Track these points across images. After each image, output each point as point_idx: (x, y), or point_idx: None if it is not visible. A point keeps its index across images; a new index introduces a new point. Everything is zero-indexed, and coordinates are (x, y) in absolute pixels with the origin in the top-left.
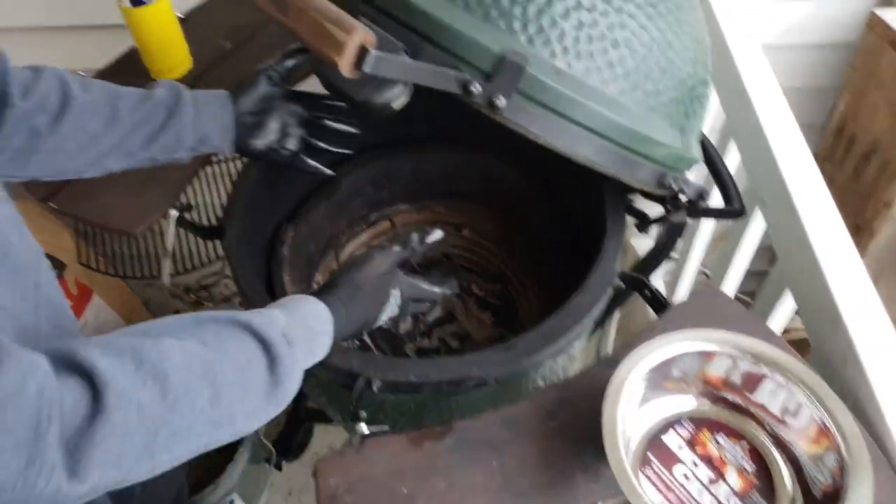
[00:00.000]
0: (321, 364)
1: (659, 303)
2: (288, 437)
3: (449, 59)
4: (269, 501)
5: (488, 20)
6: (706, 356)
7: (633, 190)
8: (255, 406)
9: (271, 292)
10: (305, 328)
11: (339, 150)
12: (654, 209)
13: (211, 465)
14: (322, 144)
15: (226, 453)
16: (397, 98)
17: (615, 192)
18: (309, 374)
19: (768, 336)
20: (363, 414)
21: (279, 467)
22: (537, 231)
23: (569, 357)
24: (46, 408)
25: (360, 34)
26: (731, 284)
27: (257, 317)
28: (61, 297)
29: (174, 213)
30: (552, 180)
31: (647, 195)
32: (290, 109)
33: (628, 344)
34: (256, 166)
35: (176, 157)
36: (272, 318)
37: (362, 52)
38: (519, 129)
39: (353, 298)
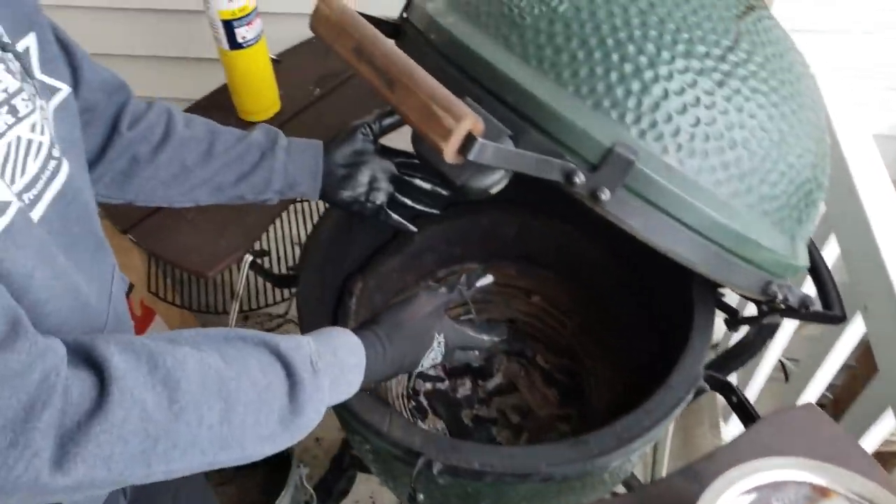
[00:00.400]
0: (378, 433)
1: (747, 413)
2: (330, 482)
3: (553, 145)
4: None
5: (599, 109)
6: (819, 491)
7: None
8: (270, 432)
9: None
10: (335, 359)
11: (425, 209)
12: (745, 303)
13: None
14: (408, 201)
15: (269, 494)
16: (497, 184)
17: (705, 283)
18: (364, 441)
19: (870, 467)
20: (421, 497)
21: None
22: (613, 307)
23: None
24: (45, 393)
25: (469, 122)
26: (815, 389)
27: (286, 341)
28: (128, 316)
29: (248, 257)
30: (636, 259)
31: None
32: (381, 165)
33: (711, 456)
34: (334, 216)
35: (264, 199)
36: (301, 344)
37: (468, 140)
38: (619, 222)
39: (393, 337)
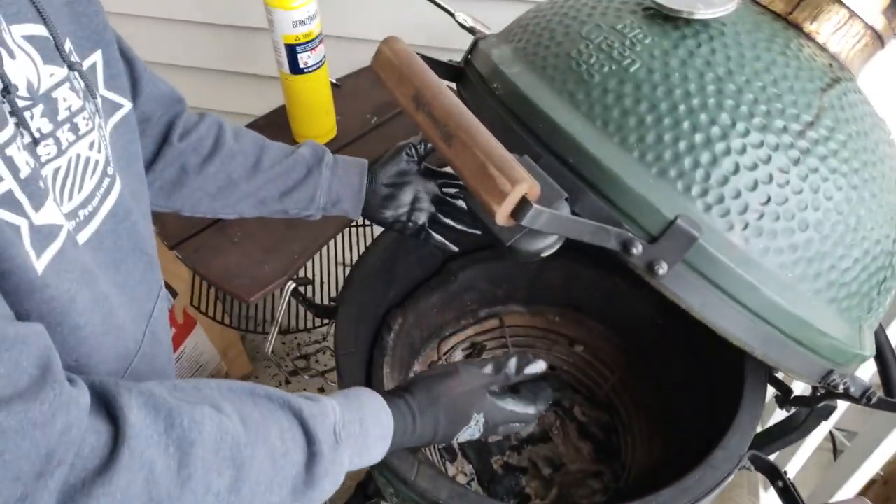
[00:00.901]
0: (405, 482)
1: (794, 500)
2: None
3: (612, 212)
4: None
5: (664, 178)
6: None
7: None
8: (280, 501)
9: (370, 378)
10: (361, 430)
11: (468, 230)
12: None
13: None
14: (450, 221)
15: None
16: (548, 249)
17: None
18: (389, 484)
19: None
20: None
21: None
22: (658, 365)
23: None
24: (63, 449)
25: (524, 187)
26: (871, 467)
27: (312, 406)
28: (168, 337)
29: (291, 284)
30: (687, 319)
31: None
32: (424, 185)
33: None
34: (378, 249)
35: (307, 214)
36: (326, 411)
37: (522, 205)
38: (675, 298)
39: (426, 411)
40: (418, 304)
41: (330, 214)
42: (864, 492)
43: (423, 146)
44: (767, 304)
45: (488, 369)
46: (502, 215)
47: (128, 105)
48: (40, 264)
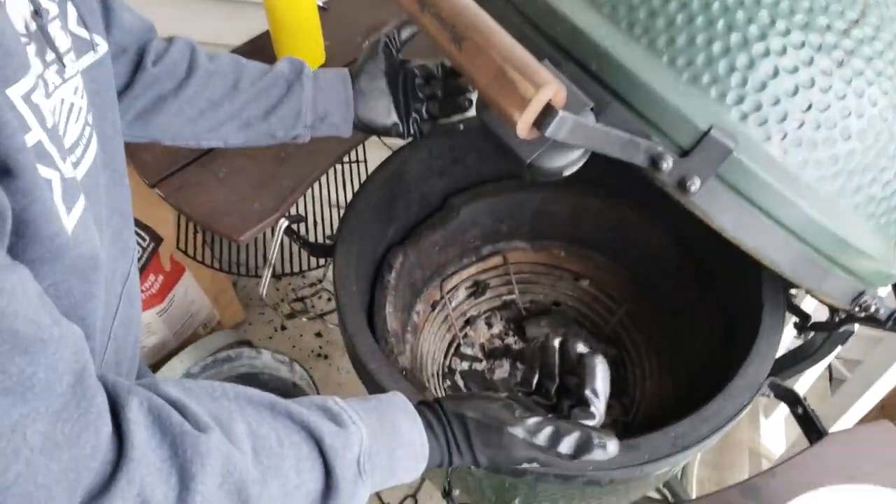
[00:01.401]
0: None
1: (813, 427)
2: None
3: (639, 123)
4: None
5: (696, 85)
6: None
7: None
8: None
9: (371, 321)
10: (389, 462)
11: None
12: (815, 305)
13: None
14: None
15: None
16: (572, 166)
17: (775, 281)
18: None
19: None
20: (457, 492)
21: None
22: (668, 297)
23: None
24: (86, 475)
25: (550, 90)
26: (873, 397)
27: (335, 436)
28: (139, 300)
29: (283, 222)
30: (700, 247)
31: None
32: (409, 83)
33: (773, 472)
34: (375, 184)
35: (295, 135)
36: (350, 443)
37: (547, 112)
38: (707, 218)
39: (467, 451)
40: (419, 242)
41: (320, 134)
42: (862, 421)
43: (397, 35)
44: (806, 221)
45: (541, 439)
46: (524, 125)
47: (103, 45)
48: (70, 222)
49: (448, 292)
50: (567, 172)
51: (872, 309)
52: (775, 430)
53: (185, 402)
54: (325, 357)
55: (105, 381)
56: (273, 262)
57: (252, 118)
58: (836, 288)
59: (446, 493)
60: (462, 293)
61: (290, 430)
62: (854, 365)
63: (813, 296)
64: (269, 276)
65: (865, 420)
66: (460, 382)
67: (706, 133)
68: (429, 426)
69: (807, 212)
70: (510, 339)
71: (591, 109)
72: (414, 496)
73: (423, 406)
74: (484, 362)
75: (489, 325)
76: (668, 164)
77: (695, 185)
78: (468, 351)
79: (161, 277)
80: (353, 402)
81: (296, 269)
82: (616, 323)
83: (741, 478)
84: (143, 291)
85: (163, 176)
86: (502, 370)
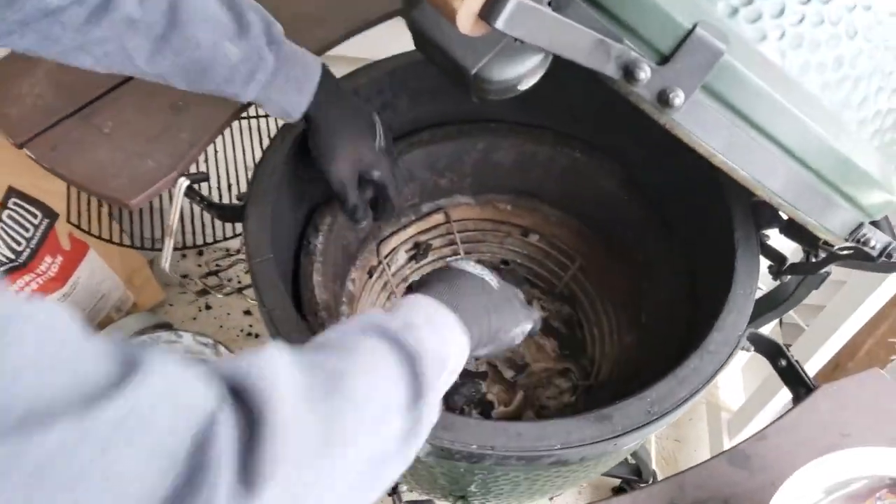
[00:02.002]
0: None
1: (800, 381)
2: None
3: (608, 23)
4: None
5: None
6: None
7: (771, 222)
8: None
9: (297, 293)
10: (428, 320)
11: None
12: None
13: None
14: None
15: None
16: (530, 77)
17: (747, 222)
18: None
19: None
20: (402, 487)
21: None
22: (625, 248)
23: None
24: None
25: None
26: (836, 342)
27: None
28: None
29: (184, 182)
30: (657, 189)
31: (793, 234)
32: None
33: (763, 436)
34: (293, 134)
35: (239, 92)
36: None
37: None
38: (692, 139)
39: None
40: None
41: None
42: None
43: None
44: (808, 137)
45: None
46: (467, 14)
47: None
48: None
49: (386, 256)
50: (523, 86)
51: (872, 243)
52: (733, 380)
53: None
54: (256, 336)
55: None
56: (175, 229)
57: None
58: (837, 220)
59: (392, 490)
60: (402, 256)
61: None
62: (808, 310)
63: (809, 230)
64: (171, 245)
65: (824, 373)
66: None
67: (690, 32)
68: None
69: (810, 127)
70: None
71: (549, 4)
72: None
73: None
74: None
75: None
76: (644, 73)
77: (678, 97)
78: None
79: (60, 258)
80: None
81: (210, 240)
82: (570, 279)
83: (700, 434)
84: (39, 275)
85: (34, 133)
86: None
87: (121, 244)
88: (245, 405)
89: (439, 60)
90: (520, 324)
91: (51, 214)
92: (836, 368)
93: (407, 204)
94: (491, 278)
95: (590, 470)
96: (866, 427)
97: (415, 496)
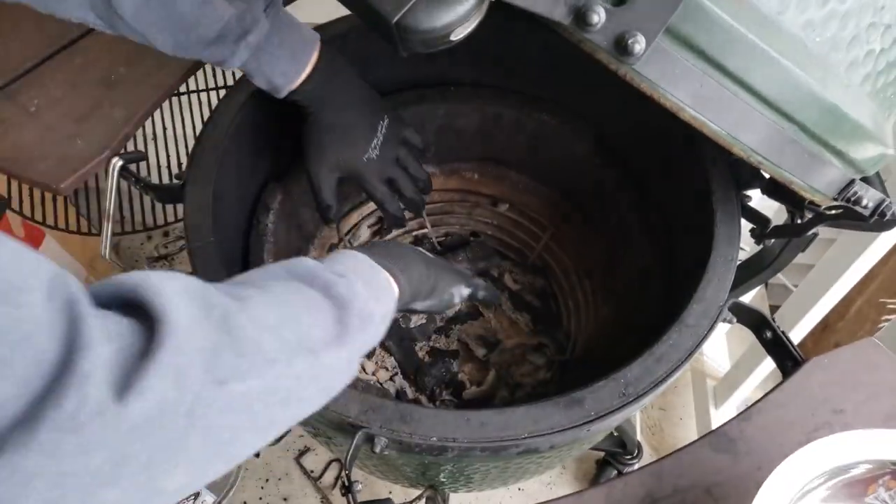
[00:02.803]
0: None
1: (787, 353)
2: None
3: None
4: (244, 487)
5: None
6: None
7: (752, 182)
8: (330, 333)
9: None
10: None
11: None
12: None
13: None
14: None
15: None
16: (462, 24)
17: (725, 182)
18: None
19: None
20: (358, 486)
21: (256, 454)
22: (598, 214)
23: None
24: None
25: None
26: (827, 303)
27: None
28: None
29: (117, 162)
30: (630, 151)
31: (776, 194)
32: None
33: (747, 415)
34: (238, 100)
35: (228, 59)
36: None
37: None
38: (655, 91)
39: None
40: (304, 175)
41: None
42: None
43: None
44: (789, 85)
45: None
46: None
47: None
48: None
49: (348, 233)
50: (456, 36)
51: (864, 202)
52: (718, 346)
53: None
54: None
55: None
56: (111, 213)
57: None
58: (824, 178)
59: (345, 489)
60: (365, 232)
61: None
62: (796, 270)
63: (792, 190)
64: (109, 229)
65: (813, 336)
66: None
67: None
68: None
69: (792, 72)
70: None
71: None
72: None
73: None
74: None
75: None
76: (598, 16)
77: (638, 44)
78: None
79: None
80: None
81: (161, 222)
82: (542, 249)
83: (686, 402)
84: None
85: None
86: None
87: (67, 230)
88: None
89: (360, 10)
90: (457, 284)
91: (1, 201)
92: (825, 329)
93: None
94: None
95: (564, 455)
96: (860, 402)
97: (367, 496)
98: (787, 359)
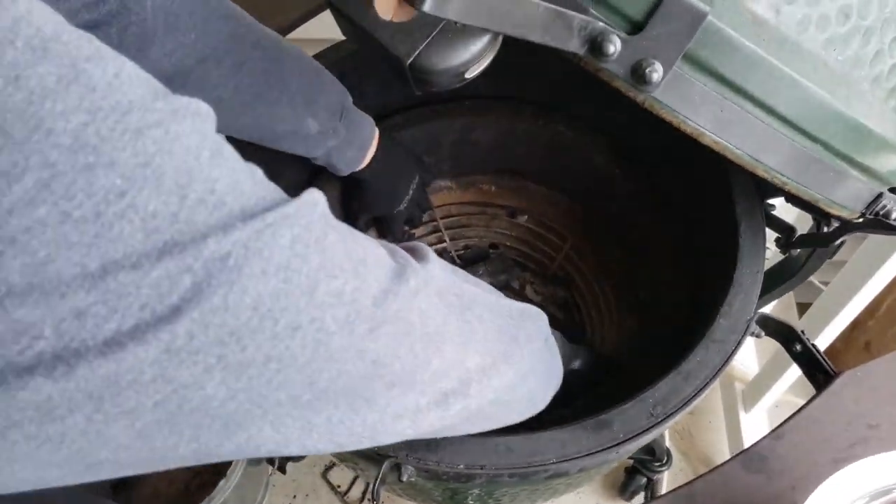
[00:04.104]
0: None
1: (818, 367)
2: None
3: None
4: None
5: None
6: None
7: (777, 190)
8: None
9: None
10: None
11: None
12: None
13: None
14: None
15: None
16: (476, 63)
17: (749, 191)
18: None
19: None
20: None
21: (283, 469)
22: (619, 224)
23: None
24: None
25: None
26: (860, 302)
27: None
28: None
29: None
30: (651, 162)
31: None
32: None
33: (779, 434)
34: None
35: (306, 153)
36: None
37: None
38: (676, 118)
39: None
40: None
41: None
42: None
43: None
44: (811, 104)
45: None
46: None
47: None
48: None
49: None
50: (471, 74)
51: (893, 215)
52: (746, 348)
53: None
54: None
55: None
56: None
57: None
58: (851, 193)
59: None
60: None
61: None
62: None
63: (819, 207)
64: None
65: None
66: None
67: None
68: None
69: (814, 92)
70: None
71: None
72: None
73: None
74: None
75: None
76: (614, 46)
77: (656, 72)
78: None
79: None
80: None
81: None
82: (563, 260)
83: (714, 405)
84: None
85: None
86: None
87: None
88: None
89: (373, 48)
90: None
91: None
92: (855, 328)
93: None
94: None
95: (593, 475)
96: None
97: None
98: (818, 371)
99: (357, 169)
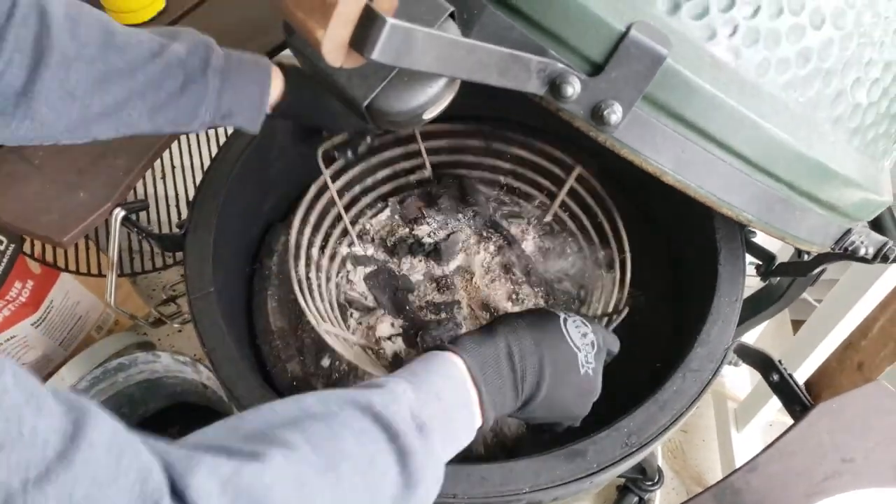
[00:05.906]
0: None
1: (794, 398)
2: None
3: (529, 31)
4: None
5: None
6: None
7: None
8: None
9: (251, 328)
10: (440, 405)
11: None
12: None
13: None
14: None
15: None
16: (434, 104)
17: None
18: None
19: None
20: None
21: None
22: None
23: None
24: None
25: None
26: (852, 320)
27: (380, 394)
28: None
29: (119, 212)
30: (633, 184)
31: None
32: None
33: (753, 466)
34: (240, 145)
35: (188, 130)
36: (397, 395)
37: (367, 21)
38: (636, 157)
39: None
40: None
41: (218, 126)
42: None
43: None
44: (773, 147)
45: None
46: (334, 47)
47: None
48: None
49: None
50: (429, 115)
51: (862, 251)
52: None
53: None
54: None
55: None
56: (115, 262)
57: (133, 120)
58: (817, 230)
59: None
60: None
61: (330, 411)
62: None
63: (788, 243)
64: (114, 278)
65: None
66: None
67: (624, 36)
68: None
69: (774, 134)
70: None
71: (452, 16)
72: None
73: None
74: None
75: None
76: (573, 87)
77: (615, 113)
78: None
79: (31, 283)
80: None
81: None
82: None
83: (707, 423)
84: (9, 302)
85: None
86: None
87: (78, 272)
88: None
89: (335, 91)
90: (585, 407)
91: (17, 239)
92: (848, 348)
93: None
94: (588, 357)
95: (570, 502)
96: (870, 449)
97: None
98: (795, 402)
99: (268, 105)
